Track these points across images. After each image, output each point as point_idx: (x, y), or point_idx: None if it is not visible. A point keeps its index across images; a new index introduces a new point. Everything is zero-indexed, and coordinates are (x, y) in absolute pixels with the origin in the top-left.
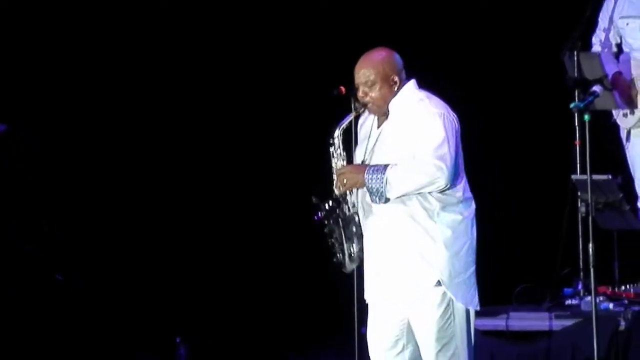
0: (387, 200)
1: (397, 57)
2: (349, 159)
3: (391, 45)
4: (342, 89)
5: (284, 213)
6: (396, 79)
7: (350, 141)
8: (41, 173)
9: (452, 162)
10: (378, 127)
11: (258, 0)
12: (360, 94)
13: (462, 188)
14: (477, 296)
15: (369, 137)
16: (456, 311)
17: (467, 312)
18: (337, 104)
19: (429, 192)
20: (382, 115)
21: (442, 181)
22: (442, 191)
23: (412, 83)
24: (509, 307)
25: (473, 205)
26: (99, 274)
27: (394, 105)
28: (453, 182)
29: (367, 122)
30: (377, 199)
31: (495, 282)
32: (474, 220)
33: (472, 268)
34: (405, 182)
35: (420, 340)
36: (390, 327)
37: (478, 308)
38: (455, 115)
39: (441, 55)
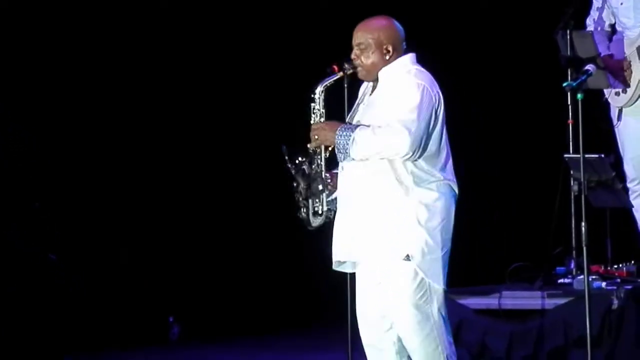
0: (352, 159)
1: (398, 27)
2: (328, 117)
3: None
4: (335, 67)
5: (275, 195)
6: (390, 48)
7: (338, 102)
8: (40, 172)
9: (418, 131)
10: (370, 94)
11: None
12: (352, 55)
13: (444, 169)
14: (445, 275)
15: (362, 101)
16: (432, 289)
17: (442, 291)
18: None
19: (405, 165)
20: (373, 81)
21: (403, 146)
22: (407, 160)
23: (408, 57)
24: (501, 286)
25: (455, 190)
26: (92, 255)
27: (384, 74)
28: (417, 150)
29: (363, 86)
30: (342, 156)
31: (488, 261)
32: (453, 203)
33: (447, 248)
34: (369, 143)
35: (395, 316)
36: (375, 304)
37: (445, 287)
38: (440, 93)
39: (433, 35)
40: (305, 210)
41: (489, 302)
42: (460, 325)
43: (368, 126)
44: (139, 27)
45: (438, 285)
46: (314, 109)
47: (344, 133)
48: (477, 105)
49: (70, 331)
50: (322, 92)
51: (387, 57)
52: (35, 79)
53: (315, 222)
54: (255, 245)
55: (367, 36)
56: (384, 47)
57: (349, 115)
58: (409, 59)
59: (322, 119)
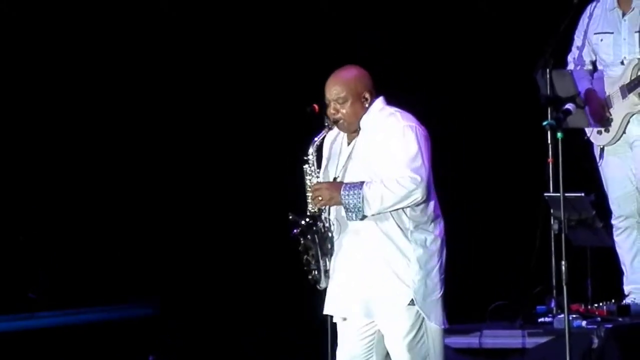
0: (364, 217)
1: (367, 74)
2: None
3: (366, 63)
4: (316, 107)
5: (260, 223)
6: (367, 95)
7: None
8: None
9: (427, 174)
10: (348, 144)
11: (234, 18)
12: (331, 110)
13: (434, 205)
14: (445, 314)
15: (340, 154)
16: (429, 330)
17: (439, 330)
18: (310, 122)
19: (404, 209)
20: (353, 132)
21: (418, 194)
22: (417, 205)
23: (380, 99)
24: (482, 325)
25: (443, 223)
26: (72, 291)
27: (365, 121)
28: (428, 195)
29: (337, 140)
30: (354, 215)
31: (469, 300)
32: (444, 239)
33: (443, 287)
34: (382, 198)
35: (395, 358)
36: (360, 342)
37: (447, 326)
38: (426, 129)
39: (415, 72)
40: (317, 272)
41: (469, 341)
42: None
43: (371, 182)
44: (140, 31)
45: (438, 325)
46: (307, 170)
47: (352, 192)
48: (457, 144)
49: None
50: (313, 152)
51: (366, 105)
52: (34, 80)
53: (327, 282)
54: (236, 284)
55: (343, 89)
56: (362, 95)
57: (331, 169)
58: (381, 101)
59: (318, 178)
